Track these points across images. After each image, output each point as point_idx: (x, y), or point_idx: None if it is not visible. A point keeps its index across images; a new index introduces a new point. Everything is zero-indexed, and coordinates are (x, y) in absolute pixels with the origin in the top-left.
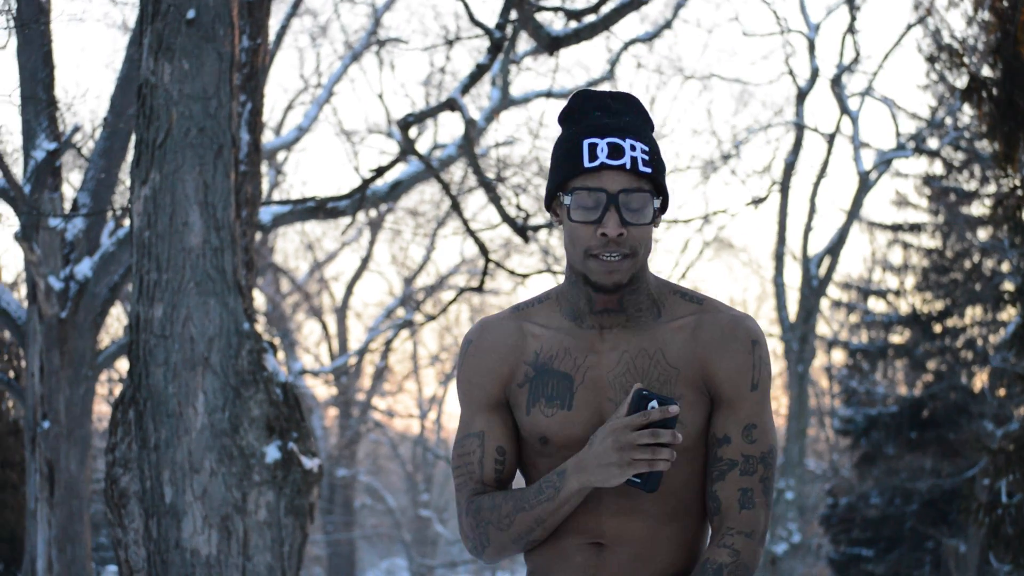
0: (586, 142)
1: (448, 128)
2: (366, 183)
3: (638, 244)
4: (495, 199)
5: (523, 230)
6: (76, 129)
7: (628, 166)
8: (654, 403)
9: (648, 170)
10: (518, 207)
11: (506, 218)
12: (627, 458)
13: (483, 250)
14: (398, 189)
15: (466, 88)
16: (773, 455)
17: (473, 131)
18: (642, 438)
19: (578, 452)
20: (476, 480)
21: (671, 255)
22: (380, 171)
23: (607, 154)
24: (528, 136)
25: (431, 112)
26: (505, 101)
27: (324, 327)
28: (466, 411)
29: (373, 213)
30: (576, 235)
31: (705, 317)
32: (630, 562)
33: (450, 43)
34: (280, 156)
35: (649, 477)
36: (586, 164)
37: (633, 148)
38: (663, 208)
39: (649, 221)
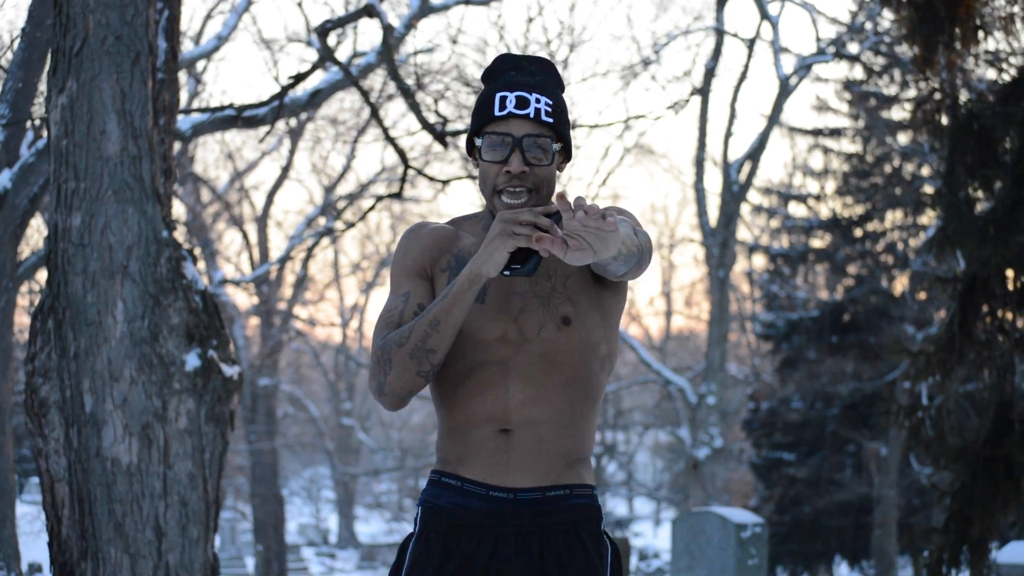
0: (498, 95)
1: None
2: (284, 90)
3: (540, 182)
4: (414, 106)
5: (442, 136)
6: None
7: (532, 115)
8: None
9: (550, 120)
10: (437, 113)
11: (425, 125)
12: (509, 230)
13: (403, 157)
14: (318, 97)
15: None
16: (650, 249)
17: (391, 37)
18: (524, 215)
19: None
20: (394, 325)
21: (592, 161)
22: (298, 78)
23: (514, 104)
24: (448, 44)
25: (349, 18)
26: (424, 8)
27: (245, 236)
28: (396, 280)
29: (293, 122)
30: (487, 173)
31: None
32: (535, 444)
33: None
34: (199, 65)
35: (527, 260)
36: (496, 113)
37: (538, 101)
38: (566, 156)
39: (550, 163)
